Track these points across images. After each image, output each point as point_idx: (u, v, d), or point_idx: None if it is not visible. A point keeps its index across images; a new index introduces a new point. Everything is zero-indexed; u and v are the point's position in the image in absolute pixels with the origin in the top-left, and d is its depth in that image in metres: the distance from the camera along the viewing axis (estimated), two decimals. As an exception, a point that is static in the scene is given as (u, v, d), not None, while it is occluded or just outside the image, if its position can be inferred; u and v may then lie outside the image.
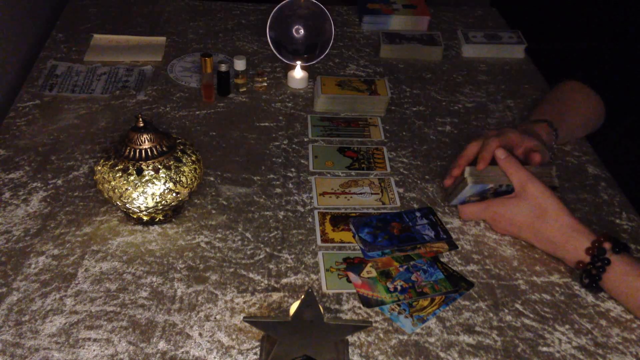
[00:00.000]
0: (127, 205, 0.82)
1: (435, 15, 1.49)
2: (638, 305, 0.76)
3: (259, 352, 0.70)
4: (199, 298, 0.77)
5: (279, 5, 1.15)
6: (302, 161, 1.01)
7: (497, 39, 1.37)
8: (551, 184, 0.86)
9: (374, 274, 0.81)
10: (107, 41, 1.30)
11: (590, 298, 0.80)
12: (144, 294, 0.77)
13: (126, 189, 0.80)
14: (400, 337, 0.74)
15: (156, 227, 0.87)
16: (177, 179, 0.82)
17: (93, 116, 1.08)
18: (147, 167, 0.80)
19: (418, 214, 0.91)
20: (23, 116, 1.07)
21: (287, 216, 0.90)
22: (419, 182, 0.98)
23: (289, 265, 0.82)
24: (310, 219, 0.90)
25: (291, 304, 0.73)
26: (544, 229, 0.81)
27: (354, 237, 0.87)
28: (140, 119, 0.81)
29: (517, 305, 0.78)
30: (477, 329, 0.75)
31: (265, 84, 1.19)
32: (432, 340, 0.73)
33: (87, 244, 0.83)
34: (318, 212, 0.91)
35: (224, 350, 0.71)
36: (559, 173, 1.00)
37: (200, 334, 0.72)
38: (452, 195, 0.91)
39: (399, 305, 0.77)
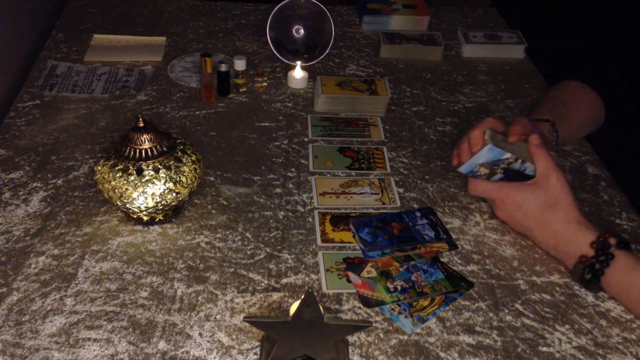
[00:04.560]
0: (127, 205, 0.82)
1: (435, 15, 1.49)
2: (639, 301, 0.76)
3: (259, 352, 0.70)
4: (199, 298, 0.77)
5: (279, 5, 1.15)
6: (302, 161, 1.01)
7: (497, 39, 1.37)
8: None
9: (374, 274, 0.81)
10: (107, 41, 1.30)
11: (590, 298, 0.80)
12: (144, 294, 0.77)
13: (126, 189, 0.80)
14: (400, 337, 0.74)
15: (156, 227, 0.87)
16: (177, 179, 0.82)
17: (93, 116, 1.08)
18: (147, 167, 0.80)
19: (418, 214, 0.91)
20: (23, 116, 1.07)
21: (287, 216, 0.90)
22: (419, 182, 0.98)
23: (289, 265, 0.82)
24: (310, 219, 0.90)
25: (291, 304, 0.73)
26: (552, 220, 0.81)
27: (354, 237, 0.87)
28: (140, 119, 0.81)
29: (517, 305, 0.79)
30: (477, 329, 0.75)
31: (265, 84, 1.19)
32: (432, 340, 0.73)
33: (87, 244, 0.83)
34: (318, 212, 0.91)
35: (224, 350, 0.71)
36: (590, 180, 1.00)
37: (200, 334, 0.72)
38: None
39: (399, 305, 0.77)
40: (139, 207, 0.81)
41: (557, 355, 0.73)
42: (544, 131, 0.95)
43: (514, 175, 0.87)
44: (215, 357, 0.70)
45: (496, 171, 0.88)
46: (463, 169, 0.90)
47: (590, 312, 0.78)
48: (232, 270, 0.81)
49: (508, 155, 0.85)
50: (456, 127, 1.12)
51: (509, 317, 0.77)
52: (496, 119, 0.89)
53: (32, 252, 0.82)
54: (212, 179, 0.96)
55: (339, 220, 0.90)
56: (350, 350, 0.71)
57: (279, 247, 0.85)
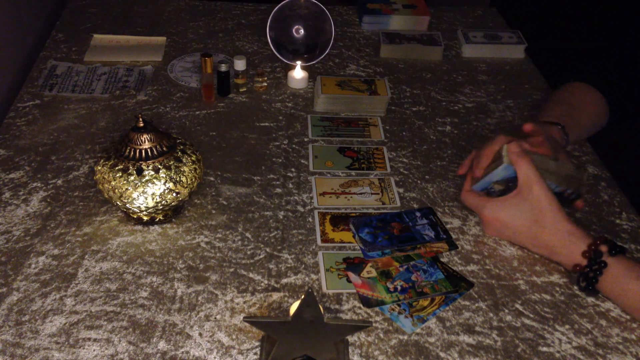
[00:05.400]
0: (127, 205, 0.82)
1: (435, 15, 1.49)
2: (634, 307, 0.76)
3: (259, 352, 0.70)
4: (199, 298, 0.77)
5: (279, 5, 1.15)
6: (302, 161, 1.01)
7: (497, 39, 1.37)
8: (577, 191, 0.86)
9: (374, 274, 0.81)
10: (107, 41, 1.30)
11: (590, 298, 0.80)
12: (144, 294, 0.77)
13: (126, 189, 0.80)
14: (400, 337, 0.74)
15: (156, 227, 0.87)
16: (177, 179, 0.82)
17: (93, 116, 1.08)
18: (147, 167, 0.80)
19: (418, 214, 0.91)
20: (23, 116, 1.07)
21: (287, 216, 0.90)
22: (419, 182, 0.98)
23: (289, 265, 0.82)
24: (310, 219, 0.90)
25: (291, 304, 0.73)
26: (541, 234, 0.81)
27: (354, 237, 0.87)
28: (140, 119, 0.81)
29: (517, 305, 0.79)
30: (477, 329, 0.75)
31: (265, 84, 1.19)
32: (432, 340, 0.73)
33: (87, 244, 0.83)
34: (318, 212, 0.91)
35: (224, 350, 0.71)
36: (590, 180, 1.00)
37: (200, 334, 0.72)
38: (479, 178, 0.88)
39: (399, 305, 0.77)
40: (139, 207, 0.81)
41: (557, 355, 0.72)
42: (556, 135, 0.94)
43: None
44: (215, 357, 0.70)
45: (511, 187, 0.86)
46: (477, 187, 0.89)
47: (590, 312, 0.78)
48: (232, 270, 0.81)
49: None
50: (456, 127, 1.12)
51: (509, 317, 0.77)
52: (507, 135, 0.87)
53: (32, 252, 0.82)
54: (212, 179, 0.96)
55: (339, 220, 0.90)
56: (350, 350, 0.71)
57: (279, 247, 0.85)
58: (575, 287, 0.81)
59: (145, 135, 0.81)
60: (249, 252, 0.84)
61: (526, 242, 0.84)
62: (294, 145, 1.05)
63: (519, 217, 0.82)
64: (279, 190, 0.95)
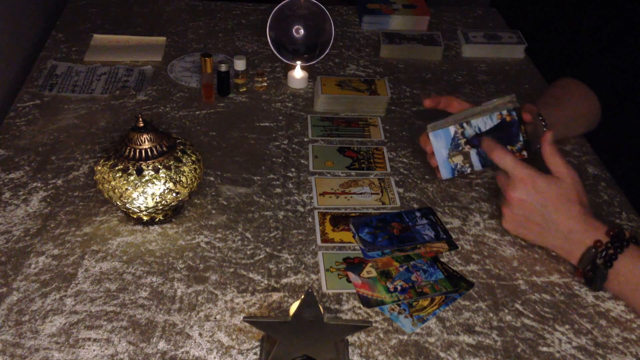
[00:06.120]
0: (127, 205, 0.82)
1: (435, 15, 1.49)
2: None
3: (259, 352, 0.70)
4: (199, 298, 0.77)
5: (279, 5, 1.15)
6: (302, 161, 1.01)
7: (497, 39, 1.37)
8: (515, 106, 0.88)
9: (374, 274, 0.81)
10: (107, 41, 1.30)
11: (590, 298, 0.80)
12: (144, 294, 0.77)
13: (126, 189, 0.80)
14: (400, 337, 0.74)
15: (156, 227, 0.87)
16: (177, 179, 0.82)
17: (93, 116, 1.08)
18: (147, 167, 0.80)
19: (418, 214, 0.91)
20: (23, 116, 1.07)
21: (287, 216, 0.90)
22: (419, 182, 0.98)
23: (289, 265, 0.82)
24: (310, 219, 0.90)
25: (291, 304, 0.73)
26: (571, 209, 0.80)
27: (354, 237, 0.87)
28: (140, 119, 0.81)
29: (517, 305, 0.79)
30: (477, 329, 0.75)
31: (265, 84, 1.19)
32: (432, 340, 0.73)
33: (87, 244, 0.83)
34: (318, 212, 0.91)
35: (224, 350, 0.71)
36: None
37: (200, 334, 0.72)
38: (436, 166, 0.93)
39: (399, 305, 0.77)
40: (139, 207, 0.81)
41: (557, 355, 0.73)
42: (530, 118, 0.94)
43: (481, 141, 0.86)
44: (215, 357, 0.70)
45: (464, 150, 0.88)
46: (443, 174, 0.92)
47: (590, 312, 0.78)
48: (232, 270, 0.81)
49: (451, 127, 0.87)
50: (456, 127, 1.12)
51: (509, 317, 0.77)
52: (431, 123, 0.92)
53: (32, 252, 0.82)
54: (212, 179, 0.96)
55: (339, 220, 0.90)
56: (350, 350, 0.71)
57: (279, 247, 0.85)
58: (576, 286, 0.81)
59: (145, 135, 0.81)
60: (248, 252, 0.84)
61: (552, 214, 0.81)
62: (294, 145, 1.05)
63: (554, 190, 0.81)
64: (279, 190, 0.95)
